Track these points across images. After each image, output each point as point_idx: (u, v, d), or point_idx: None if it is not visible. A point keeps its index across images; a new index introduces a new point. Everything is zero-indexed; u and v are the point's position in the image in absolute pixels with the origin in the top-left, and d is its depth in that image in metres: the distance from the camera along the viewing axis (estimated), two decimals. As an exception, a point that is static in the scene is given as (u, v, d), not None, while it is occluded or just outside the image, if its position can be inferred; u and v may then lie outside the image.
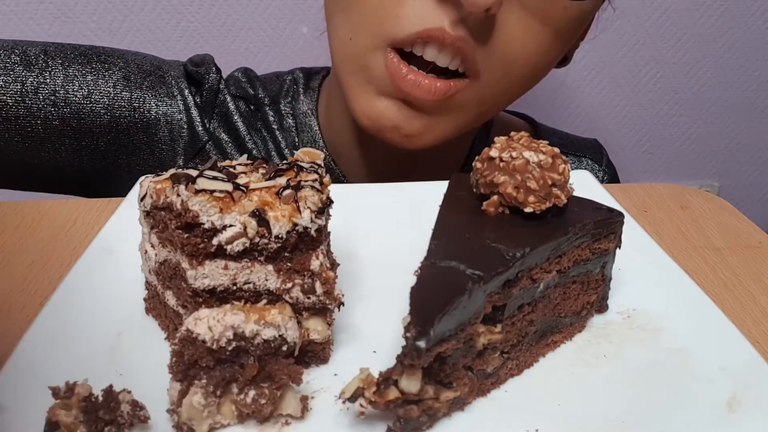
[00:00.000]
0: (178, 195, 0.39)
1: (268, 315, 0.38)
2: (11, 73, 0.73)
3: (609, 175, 0.92)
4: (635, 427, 0.39)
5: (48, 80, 0.74)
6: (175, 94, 0.79)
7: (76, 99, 0.74)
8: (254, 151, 0.80)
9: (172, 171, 0.43)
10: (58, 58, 0.75)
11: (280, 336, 0.38)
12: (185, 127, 0.79)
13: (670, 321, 0.48)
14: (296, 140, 0.81)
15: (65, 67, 0.75)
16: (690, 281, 0.51)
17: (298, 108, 0.82)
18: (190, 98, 0.79)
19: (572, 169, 0.85)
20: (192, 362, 0.37)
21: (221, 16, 1.23)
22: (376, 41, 0.62)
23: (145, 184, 0.43)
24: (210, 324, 0.37)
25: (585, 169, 0.86)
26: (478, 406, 0.41)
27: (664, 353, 0.45)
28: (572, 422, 0.39)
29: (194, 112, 0.79)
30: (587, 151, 0.92)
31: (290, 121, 0.81)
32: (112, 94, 0.76)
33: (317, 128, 0.81)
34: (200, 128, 0.79)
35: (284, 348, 0.38)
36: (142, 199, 0.43)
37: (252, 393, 0.38)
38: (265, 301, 0.41)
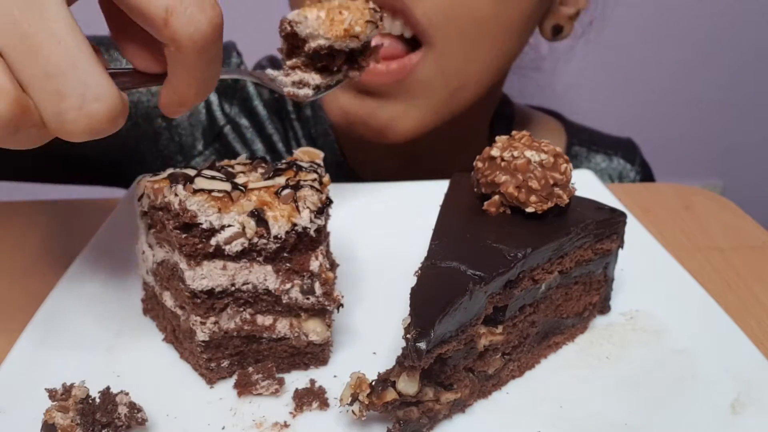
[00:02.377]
0: (176, 195, 0.39)
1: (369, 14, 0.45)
2: None
3: (643, 176, 0.86)
4: (638, 430, 0.38)
5: None
6: None
7: None
8: (274, 137, 0.81)
9: (170, 170, 0.42)
10: None
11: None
12: (203, 110, 0.80)
13: (673, 322, 0.47)
14: (312, 131, 0.82)
15: None
16: (693, 282, 0.50)
17: (316, 100, 0.83)
18: None
19: (601, 168, 0.83)
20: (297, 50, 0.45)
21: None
22: None
23: (142, 183, 0.42)
24: (312, 30, 0.45)
25: (615, 168, 0.83)
26: (479, 408, 0.41)
27: (667, 355, 0.44)
28: (574, 424, 0.39)
29: (212, 96, 0.80)
30: (619, 150, 0.87)
31: (308, 112, 0.83)
32: None
33: (329, 121, 0.81)
34: (218, 112, 0.80)
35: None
36: (140, 198, 0.42)
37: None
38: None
